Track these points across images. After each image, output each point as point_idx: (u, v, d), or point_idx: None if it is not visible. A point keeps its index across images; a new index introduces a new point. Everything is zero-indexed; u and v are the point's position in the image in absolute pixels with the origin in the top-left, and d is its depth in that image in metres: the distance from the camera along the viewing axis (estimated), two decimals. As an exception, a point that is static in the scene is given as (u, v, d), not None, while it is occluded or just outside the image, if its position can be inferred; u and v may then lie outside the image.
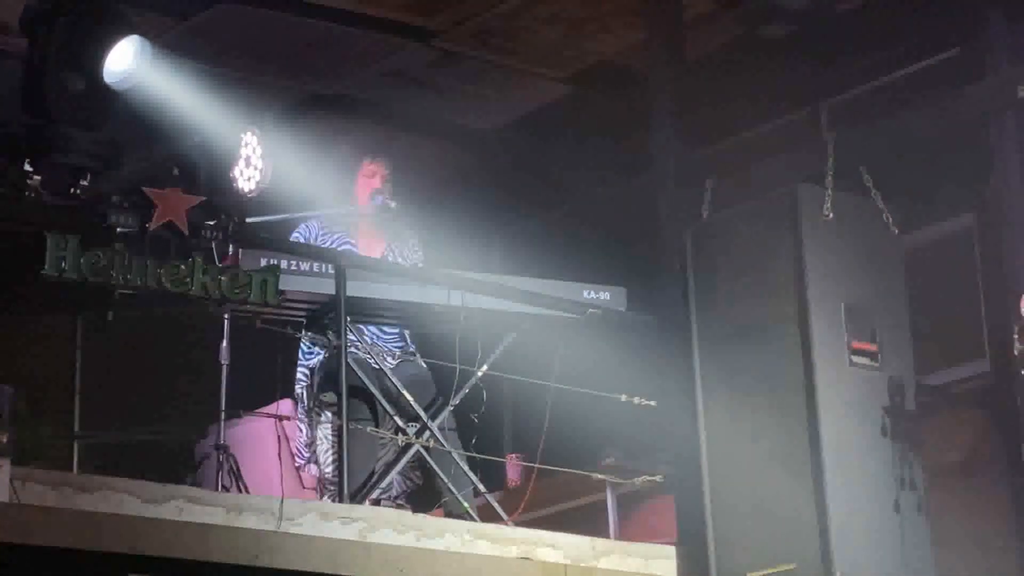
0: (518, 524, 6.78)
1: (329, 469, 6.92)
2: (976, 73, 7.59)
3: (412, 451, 6.86)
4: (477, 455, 7.05)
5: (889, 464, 6.38)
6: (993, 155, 7.60)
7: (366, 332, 7.13)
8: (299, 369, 7.19)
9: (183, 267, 6.04)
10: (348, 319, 6.65)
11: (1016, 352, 6.11)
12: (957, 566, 6.87)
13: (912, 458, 6.43)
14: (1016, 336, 6.07)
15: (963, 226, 7.86)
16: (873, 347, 6.47)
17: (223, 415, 6.85)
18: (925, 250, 7.56)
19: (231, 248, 6.36)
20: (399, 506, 6.85)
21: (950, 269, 7.73)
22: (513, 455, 8.13)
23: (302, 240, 7.19)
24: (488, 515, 6.87)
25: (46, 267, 5.81)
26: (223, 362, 6.82)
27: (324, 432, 7.04)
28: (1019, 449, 7.22)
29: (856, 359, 6.43)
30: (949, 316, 7.61)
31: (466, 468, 6.96)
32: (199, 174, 6.39)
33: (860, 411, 6.39)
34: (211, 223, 6.20)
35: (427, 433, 6.88)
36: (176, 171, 6.27)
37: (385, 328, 7.24)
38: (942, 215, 7.84)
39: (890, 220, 6.68)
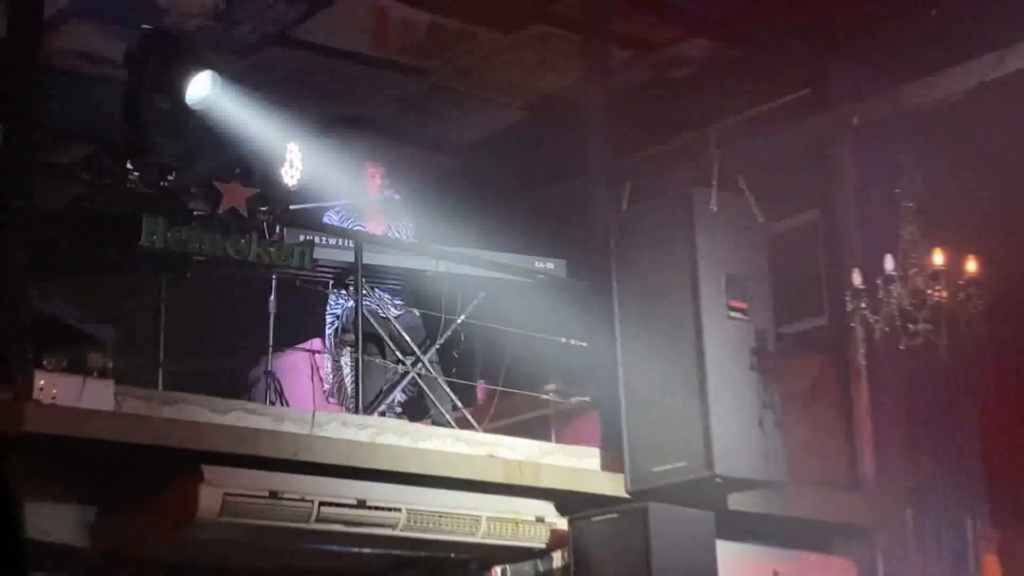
0: (486, 431, 6.80)
1: (349, 389, 6.89)
2: (823, 106, 7.68)
3: (408, 377, 6.87)
4: (456, 380, 7.06)
5: (755, 391, 6.39)
6: (834, 166, 7.71)
7: (377, 291, 7.08)
8: (327, 316, 7.14)
9: (243, 241, 6.03)
10: (363, 280, 6.65)
11: (848, 310, 6.12)
12: (803, 466, 6.90)
13: (772, 387, 6.44)
14: (847, 299, 6.11)
15: (811, 218, 7.88)
16: (745, 305, 6.48)
17: (271, 349, 6.83)
18: (783, 235, 7.55)
19: (278, 227, 6.34)
20: (399, 416, 6.84)
21: (801, 249, 7.73)
22: (482, 381, 8.10)
23: (332, 222, 7.14)
24: (464, 425, 6.88)
25: (142, 239, 5.80)
26: (271, 311, 6.77)
27: (346, 361, 7.01)
28: (847, 381, 7.34)
29: (733, 314, 6.45)
30: (799, 283, 7.61)
31: (448, 390, 6.96)
32: (255, 172, 6.35)
33: (735, 351, 6.42)
34: (263, 208, 6.18)
35: (419, 364, 6.89)
36: (238, 170, 6.23)
37: (391, 288, 7.17)
38: (796, 210, 7.85)
39: (758, 213, 6.70)
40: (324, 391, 7.20)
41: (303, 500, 5.59)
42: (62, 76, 7.56)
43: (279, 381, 6.84)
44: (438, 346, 6.97)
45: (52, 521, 5.51)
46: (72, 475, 5.52)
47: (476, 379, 7.71)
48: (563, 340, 7.01)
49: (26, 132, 5.73)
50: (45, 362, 5.29)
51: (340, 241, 6.76)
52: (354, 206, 7.28)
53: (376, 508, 5.78)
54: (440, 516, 5.96)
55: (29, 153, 5.74)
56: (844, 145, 7.62)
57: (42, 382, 5.17)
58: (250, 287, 6.84)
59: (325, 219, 7.18)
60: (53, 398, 5.18)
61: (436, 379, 6.95)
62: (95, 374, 5.36)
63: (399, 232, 7.34)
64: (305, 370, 7.24)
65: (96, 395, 5.29)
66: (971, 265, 5.88)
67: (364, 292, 6.69)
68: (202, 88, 6.42)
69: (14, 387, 5.20)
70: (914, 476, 7.28)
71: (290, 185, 6.64)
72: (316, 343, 7.29)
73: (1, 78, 5.96)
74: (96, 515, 5.65)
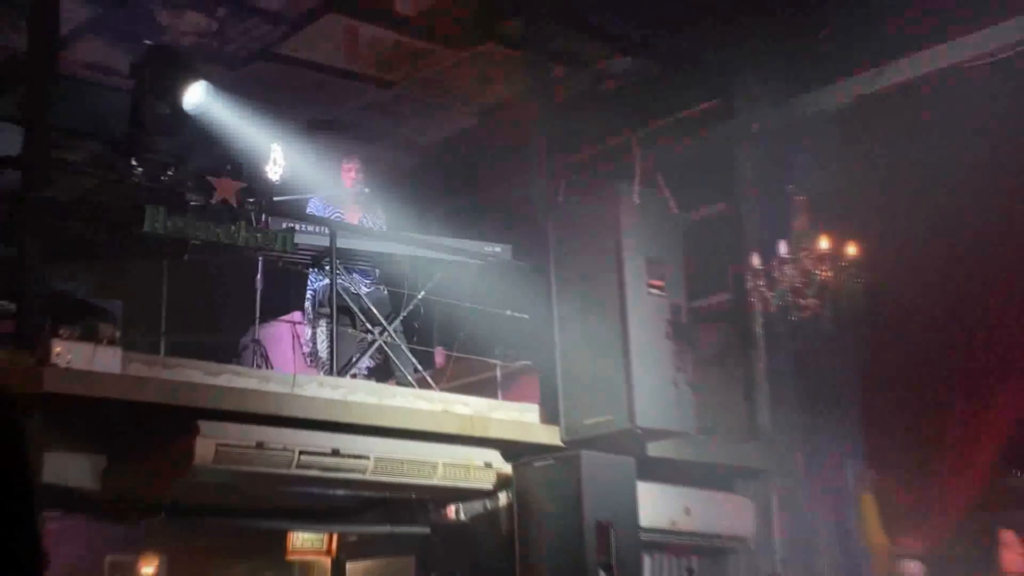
0: (443, 390, 6.78)
1: (324, 355, 6.90)
2: (728, 114, 7.75)
3: (376, 345, 6.87)
4: (417, 347, 7.07)
5: (670, 355, 6.41)
6: (737, 166, 7.78)
7: (352, 272, 7.05)
8: (306, 292, 7.12)
9: (233, 227, 5.98)
10: (337, 261, 6.62)
11: (748, 288, 6.17)
12: (710, 419, 6.96)
13: (684, 352, 6.47)
14: (748, 278, 6.14)
15: (717, 210, 7.89)
16: (662, 283, 6.50)
17: (257, 320, 6.81)
18: (694, 224, 7.52)
19: (264, 216, 6.30)
20: (367, 378, 6.84)
21: (709, 235, 7.72)
22: (440, 347, 8.13)
23: (314, 212, 7.08)
24: (424, 385, 6.87)
25: (145, 227, 5.74)
26: (257, 288, 6.76)
27: (321, 332, 7.01)
28: (747, 347, 7.43)
29: (651, 291, 6.48)
30: (707, 263, 7.59)
31: (410, 355, 6.96)
32: (243, 168, 6.30)
33: (653, 322, 6.45)
34: (251, 200, 6.14)
35: (385, 333, 6.88)
36: (229, 167, 6.17)
37: (361, 268, 7.16)
38: (705, 202, 7.84)
39: (674, 205, 6.73)
40: (303, 356, 7.20)
41: (285, 450, 5.60)
42: (75, 84, 7.52)
43: (264, 348, 6.84)
44: (402, 318, 6.97)
45: (68, 468, 5.51)
46: (85, 429, 5.52)
47: (434, 346, 7.69)
48: (508, 313, 7.01)
49: (43, 133, 5.71)
50: (61, 332, 5.29)
51: (318, 228, 6.71)
52: (331, 197, 7.24)
53: (348, 456, 5.79)
54: (403, 463, 5.98)
55: (45, 152, 5.73)
56: (746, 147, 7.70)
57: (58, 349, 5.20)
58: (239, 267, 6.81)
59: (309, 206, 7.13)
60: (68, 363, 5.20)
61: (400, 346, 6.94)
62: (104, 342, 5.36)
63: (372, 221, 7.29)
64: (287, 339, 7.28)
65: (105, 360, 5.30)
66: (851, 249, 5.92)
67: (337, 272, 6.65)
68: (197, 96, 6.42)
69: (35, 353, 5.22)
70: (803, 427, 7.36)
71: (274, 180, 6.63)
72: (296, 315, 7.29)
73: (22, 86, 5.96)
74: (106, 463, 5.64)
